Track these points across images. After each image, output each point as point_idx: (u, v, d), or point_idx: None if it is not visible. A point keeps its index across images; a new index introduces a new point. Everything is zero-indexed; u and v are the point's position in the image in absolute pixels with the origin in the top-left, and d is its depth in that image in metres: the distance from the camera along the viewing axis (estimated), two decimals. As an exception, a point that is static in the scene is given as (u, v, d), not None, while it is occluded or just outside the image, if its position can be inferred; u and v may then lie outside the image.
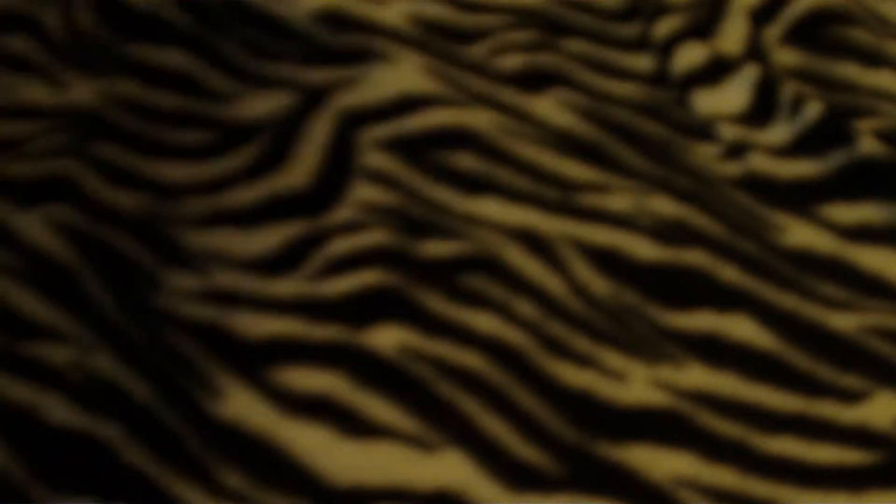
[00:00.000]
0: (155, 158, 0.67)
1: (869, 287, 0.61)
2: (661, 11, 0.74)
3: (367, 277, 0.61)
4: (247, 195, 0.65)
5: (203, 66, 0.72)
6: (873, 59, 0.71)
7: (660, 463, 0.54)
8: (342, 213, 0.64)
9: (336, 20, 0.72)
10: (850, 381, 0.57)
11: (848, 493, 0.53)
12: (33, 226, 0.63)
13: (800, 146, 0.67)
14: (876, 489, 0.53)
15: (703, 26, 0.73)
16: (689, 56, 0.71)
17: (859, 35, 0.72)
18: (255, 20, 0.74)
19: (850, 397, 0.56)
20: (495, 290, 0.60)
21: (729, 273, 0.61)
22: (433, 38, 0.72)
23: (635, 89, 0.71)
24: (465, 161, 0.67)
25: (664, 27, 0.73)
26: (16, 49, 0.72)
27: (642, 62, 0.73)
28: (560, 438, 0.55)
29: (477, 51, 0.72)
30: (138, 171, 0.66)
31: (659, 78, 0.72)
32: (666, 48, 0.72)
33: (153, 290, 0.60)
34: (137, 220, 0.63)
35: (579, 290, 0.61)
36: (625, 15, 0.75)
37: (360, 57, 0.70)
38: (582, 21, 0.75)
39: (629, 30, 0.74)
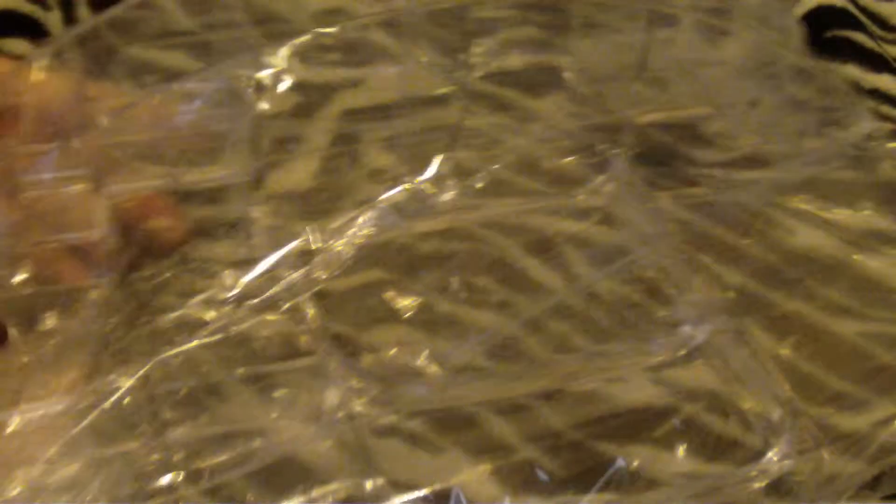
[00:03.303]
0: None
1: (874, 293, 0.61)
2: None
3: (367, 276, 0.61)
4: (247, 195, 0.65)
5: (203, 66, 0.72)
6: (873, 61, 0.71)
7: (662, 462, 0.54)
8: (343, 212, 0.64)
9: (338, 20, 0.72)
10: (850, 388, 0.57)
11: (847, 501, 0.53)
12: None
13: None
14: (875, 499, 0.54)
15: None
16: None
17: (859, 37, 0.72)
18: (256, 20, 0.74)
19: (850, 405, 0.56)
20: (498, 289, 0.60)
21: (732, 274, 0.61)
22: (436, 36, 0.72)
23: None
24: (467, 161, 0.67)
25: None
26: (16, 50, 0.72)
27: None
28: (562, 437, 0.55)
29: (481, 48, 0.73)
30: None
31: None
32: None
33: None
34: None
35: (582, 288, 0.61)
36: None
37: (363, 57, 0.70)
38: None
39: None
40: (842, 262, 0.62)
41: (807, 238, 0.63)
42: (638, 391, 0.56)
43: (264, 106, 0.63)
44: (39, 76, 0.56)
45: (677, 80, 0.69)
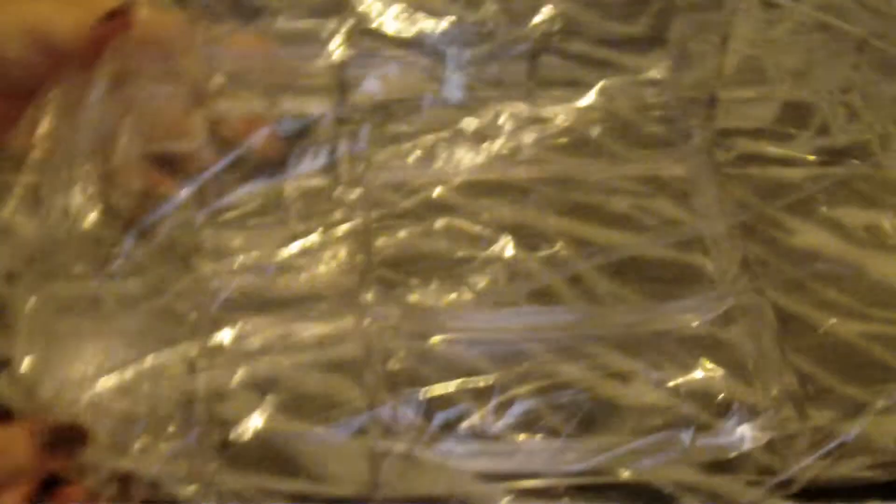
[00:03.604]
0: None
1: (876, 294, 0.60)
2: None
3: (370, 276, 0.61)
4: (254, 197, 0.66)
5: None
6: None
7: (664, 465, 0.54)
8: (347, 213, 0.65)
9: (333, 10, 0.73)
10: (852, 390, 0.57)
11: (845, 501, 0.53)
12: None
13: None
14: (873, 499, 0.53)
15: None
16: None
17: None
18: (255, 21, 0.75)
19: (852, 407, 0.56)
20: (498, 289, 0.61)
21: (733, 275, 0.61)
22: (436, 39, 0.72)
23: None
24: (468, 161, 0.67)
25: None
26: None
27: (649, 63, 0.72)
28: (563, 440, 0.55)
29: (481, 51, 0.72)
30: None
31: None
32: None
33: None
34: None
35: (582, 289, 0.61)
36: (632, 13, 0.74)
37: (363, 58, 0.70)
38: (588, 19, 0.74)
39: (636, 29, 0.73)
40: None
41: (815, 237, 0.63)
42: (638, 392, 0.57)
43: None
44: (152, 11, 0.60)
45: (768, 60, 0.69)
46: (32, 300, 0.54)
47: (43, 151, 0.56)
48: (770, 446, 0.54)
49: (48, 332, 0.54)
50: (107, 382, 0.52)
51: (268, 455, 0.54)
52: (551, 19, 0.69)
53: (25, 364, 0.51)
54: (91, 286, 0.57)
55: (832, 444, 0.53)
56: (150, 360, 0.53)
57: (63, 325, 0.55)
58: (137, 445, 0.50)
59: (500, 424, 0.54)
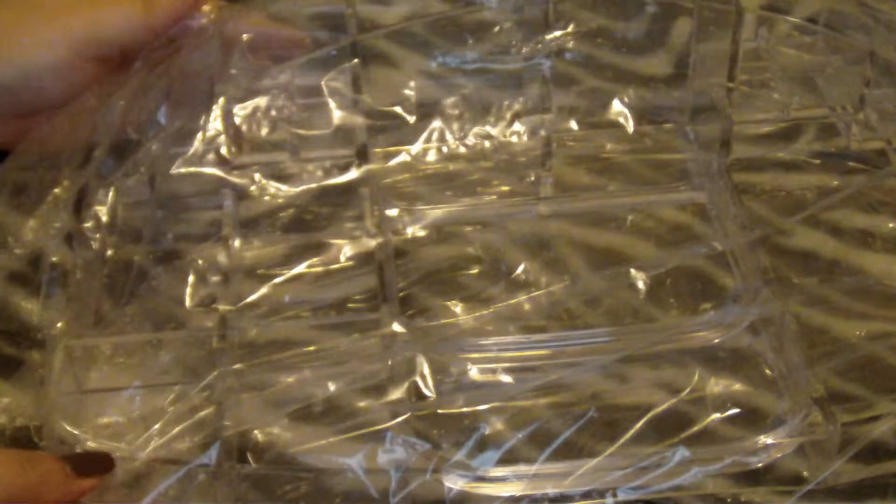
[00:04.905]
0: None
1: (876, 294, 0.61)
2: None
3: (371, 277, 0.62)
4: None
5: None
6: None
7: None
8: (349, 216, 0.65)
9: (337, 22, 0.72)
10: (853, 389, 0.57)
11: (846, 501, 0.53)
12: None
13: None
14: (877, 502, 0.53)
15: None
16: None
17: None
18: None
19: (852, 407, 0.56)
20: (496, 290, 0.61)
21: (732, 277, 0.62)
22: (436, 40, 0.72)
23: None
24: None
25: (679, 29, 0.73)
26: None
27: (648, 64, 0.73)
28: (562, 440, 0.55)
29: (480, 51, 0.73)
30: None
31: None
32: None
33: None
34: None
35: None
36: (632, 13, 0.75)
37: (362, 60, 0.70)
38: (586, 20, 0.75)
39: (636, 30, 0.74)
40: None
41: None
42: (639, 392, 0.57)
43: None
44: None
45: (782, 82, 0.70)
46: (62, 350, 0.54)
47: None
48: (799, 453, 0.54)
49: (78, 385, 0.55)
50: (135, 430, 0.52)
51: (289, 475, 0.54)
52: (569, 31, 0.69)
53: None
54: (118, 325, 0.58)
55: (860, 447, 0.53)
56: (176, 395, 0.53)
57: (92, 376, 0.56)
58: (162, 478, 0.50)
59: (516, 441, 0.54)
